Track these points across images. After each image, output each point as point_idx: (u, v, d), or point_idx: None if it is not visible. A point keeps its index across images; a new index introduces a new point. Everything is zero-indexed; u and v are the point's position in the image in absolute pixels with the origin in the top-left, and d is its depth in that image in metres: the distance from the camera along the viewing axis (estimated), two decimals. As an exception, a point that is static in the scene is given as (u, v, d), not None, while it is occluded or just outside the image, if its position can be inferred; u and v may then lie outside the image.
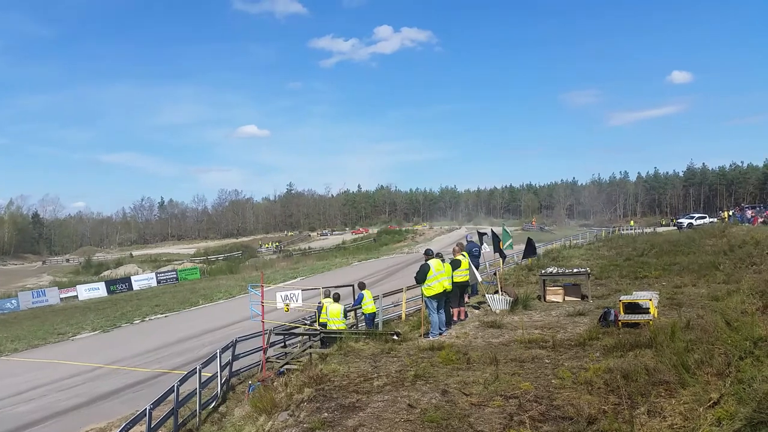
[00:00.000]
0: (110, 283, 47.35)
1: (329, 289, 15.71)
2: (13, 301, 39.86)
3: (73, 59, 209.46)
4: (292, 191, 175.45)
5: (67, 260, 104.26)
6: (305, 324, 14.40)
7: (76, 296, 43.38)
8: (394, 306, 17.71)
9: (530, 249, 15.39)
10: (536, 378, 6.83)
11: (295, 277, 42.38)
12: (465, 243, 14.98)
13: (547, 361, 7.69)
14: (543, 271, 15.42)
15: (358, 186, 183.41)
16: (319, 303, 15.01)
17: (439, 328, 10.76)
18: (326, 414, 6.30)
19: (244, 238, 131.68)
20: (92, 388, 16.51)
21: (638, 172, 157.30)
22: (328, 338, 12.65)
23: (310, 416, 6.29)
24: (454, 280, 11.40)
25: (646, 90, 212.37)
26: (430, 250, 11.56)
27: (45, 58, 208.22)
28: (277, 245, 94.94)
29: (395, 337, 10.41)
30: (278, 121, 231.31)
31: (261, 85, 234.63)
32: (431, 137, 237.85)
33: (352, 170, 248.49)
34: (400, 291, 16.59)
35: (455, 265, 11.71)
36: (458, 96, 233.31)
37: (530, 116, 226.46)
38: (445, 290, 10.90)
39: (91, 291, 44.87)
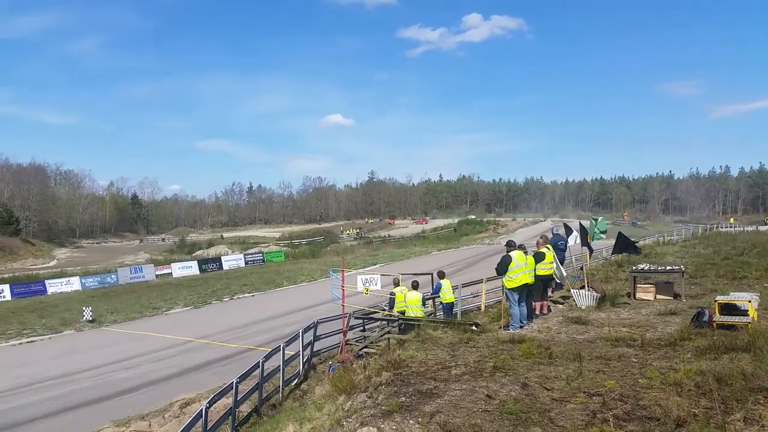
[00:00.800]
0: (202, 263, 49.66)
1: (398, 278, 15.79)
2: (113, 276, 42.53)
3: (172, 51, 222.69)
4: (374, 179, 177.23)
5: (163, 239, 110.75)
6: (383, 310, 14.54)
7: (171, 273, 45.74)
8: (473, 297, 17.53)
9: (623, 244, 14.67)
10: (622, 377, 6.56)
11: (375, 264, 42.82)
12: (550, 235, 14.56)
13: (634, 360, 7.37)
14: (634, 268, 14.76)
15: (440, 176, 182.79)
16: (391, 293, 15.13)
17: (520, 321, 10.58)
18: (404, 398, 6.34)
19: (327, 224, 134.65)
20: (183, 360, 17.44)
21: (741, 167, 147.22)
22: (406, 325, 12.74)
23: (388, 399, 6.36)
24: (537, 273, 11.12)
25: (752, 80, 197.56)
26: (512, 241, 11.35)
27: (147, 50, 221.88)
28: (357, 232, 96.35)
29: (474, 328, 10.33)
30: (363, 110, 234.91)
31: (348, 76, 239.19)
32: (517, 127, 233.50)
33: (434, 160, 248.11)
34: (479, 282, 16.38)
35: (539, 257, 11.42)
36: (547, 85, 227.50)
37: (625, 107, 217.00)
38: (526, 283, 10.68)
39: (185, 269, 47.19)
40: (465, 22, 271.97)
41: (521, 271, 10.53)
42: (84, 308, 26.05)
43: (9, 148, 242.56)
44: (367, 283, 14.71)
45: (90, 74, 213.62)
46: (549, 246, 12.09)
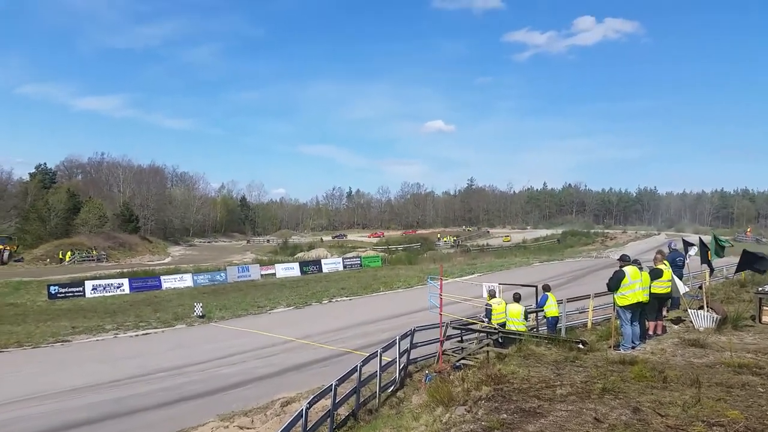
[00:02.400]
0: (303, 264, 51.20)
1: (495, 289, 15.37)
2: (222, 274, 44.75)
3: (280, 57, 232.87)
4: (473, 186, 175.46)
5: (268, 241, 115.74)
6: (482, 321, 14.22)
7: (274, 274, 47.46)
8: (580, 313, 16.77)
9: (749, 261, 13.40)
10: (747, 407, 5.95)
11: (473, 273, 42.20)
12: (667, 251, 13.61)
13: (761, 389, 6.68)
14: (759, 289, 13.45)
15: (543, 183, 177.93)
16: (487, 304, 14.74)
17: (632, 341, 9.92)
18: (505, 415, 6.11)
19: (423, 231, 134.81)
20: (284, 359, 17.96)
21: None
22: (505, 338, 12.37)
23: (488, 415, 6.15)
24: (653, 291, 10.39)
25: None
26: (626, 255, 10.67)
27: (257, 57, 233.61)
28: (455, 240, 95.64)
29: (581, 346, 9.82)
30: (464, 115, 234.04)
31: (450, 81, 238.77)
32: (628, 134, 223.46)
33: (537, 167, 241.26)
34: (586, 297, 15.64)
35: (655, 274, 10.66)
36: (662, 90, 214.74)
37: (748, 114, 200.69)
38: (640, 301, 10.00)
39: (287, 270, 48.85)
40: (576, 25, 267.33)
41: (635, 288, 9.88)
42: (195, 304, 27.54)
43: (131, 150, 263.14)
44: (489, 290, 14.60)
45: (204, 81, 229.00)
46: (666, 262, 11.28)
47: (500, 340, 12.72)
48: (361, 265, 54.56)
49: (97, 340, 22.23)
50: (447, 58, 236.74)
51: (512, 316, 13.32)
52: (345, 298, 32.65)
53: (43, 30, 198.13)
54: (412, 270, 47.68)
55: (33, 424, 12.52)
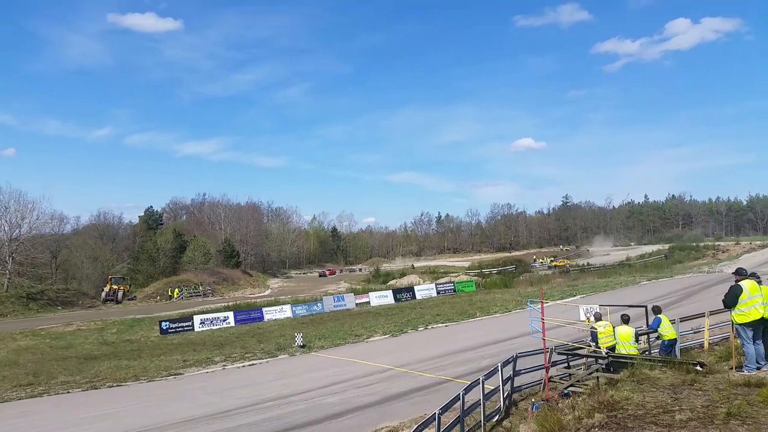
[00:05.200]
0: (396, 292, 51.48)
1: (600, 312, 14.72)
2: (318, 304, 45.81)
3: (366, 91, 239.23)
4: (568, 203, 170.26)
5: (360, 269, 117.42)
6: (590, 346, 13.68)
7: (369, 302, 48.04)
8: (694, 333, 15.74)
9: None
10: None
11: (574, 295, 40.71)
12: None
13: None
14: None
15: (645, 196, 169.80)
16: (592, 327, 14.14)
17: (757, 362, 9.19)
18: (622, 444, 5.86)
19: (517, 252, 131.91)
20: (384, 388, 18.00)
21: None
22: (615, 363, 11.82)
23: (604, 444, 5.92)
24: (777, 307, 9.62)
25: None
26: (742, 269, 9.95)
27: (344, 93, 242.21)
28: (552, 260, 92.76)
29: (699, 368, 9.23)
30: (555, 131, 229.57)
31: (538, 97, 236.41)
32: (735, 138, 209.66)
33: (636, 179, 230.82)
34: (701, 316, 14.68)
35: (777, 288, 9.89)
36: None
37: None
38: (762, 317, 9.27)
39: (381, 298, 49.28)
40: (669, 29, 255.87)
41: (755, 304, 9.18)
42: (296, 334, 28.31)
43: (230, 189, 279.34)
44: (588, 313, 14.06)
45: (295, 119, 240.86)
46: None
47: (609, 365, 12.18)
48: (454, 291, 54.11)
49: (207, 372, 23.32)
50: (534, 75, 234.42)
51: (622, 339, 12.70)
52: (441, 325, 32.41)
53: (148, 84, 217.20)
54: (509, 293, 46.69)
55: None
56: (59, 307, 58.13)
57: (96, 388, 20.81)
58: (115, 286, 65.18)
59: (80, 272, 78.97)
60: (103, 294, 64.24)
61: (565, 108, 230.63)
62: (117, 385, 21.20)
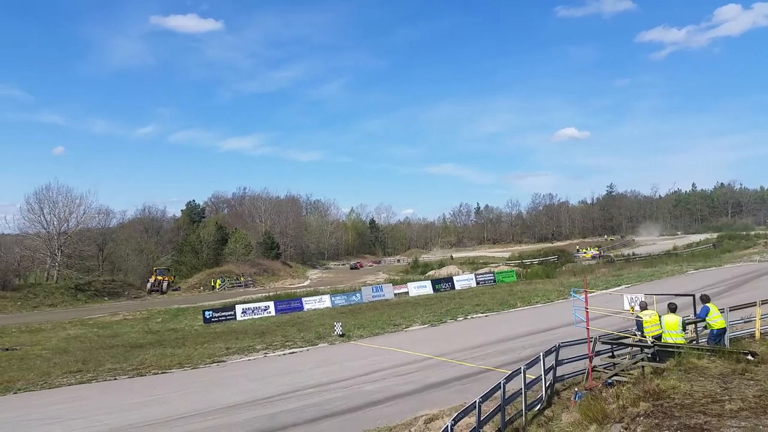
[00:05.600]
0: (435, 282, 51.27)
1: (645, 301, 14.31)
2: (357, 295, 46.09)
3: (403, 84, 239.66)
4: (613, 193, 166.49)
5: (398, 260, 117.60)
6: (635, 335, 13.33)
7: (407, 293, 48.03)
8: (745, 322, 15.16)
9: None
10: None
11: (619, 285, 39.80)
12: None
13: None
14: None
15: (692, 185, 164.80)
16: (637, 316, 13.75)
17: (813, 352, 8.79)
18: (669, 433, 5.67)
19: (559, 243, 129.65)
20: (424, 377, 17.96)
21: None
22: (661, 352, 11.48)
23: (649, 433, 5.75)
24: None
25: None
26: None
27: (381, 87, 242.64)
28: (597, 249, 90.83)
29: (750, 357, 8.88)
30: (599, 121, 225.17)
31: (581, 87, 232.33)
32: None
33: (683, 168, 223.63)
34: (752, 305, 14.12)
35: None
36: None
37: None
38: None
39: (420, 288, 49.22)
40: (717, 16, 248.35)
41: (811, 292, 8.77)
42: (335, 324, 28.54)
43: (270, 182, 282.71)
44: (633, 302, 13.72)
45: (332, 114, 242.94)
46: None
47: (655, 354, 11.84)
48: (494, 281, 53.58)
49: (249, 359, 23.73)
50: (577, 65, 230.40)
51: (668, 327, 12.31)
52: (481, 315, 32.14)
53: (190, 83, 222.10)
54: (551, 284, 45.97)
55: (200, 438, 13.60)
56: (106, 298, 60.18)
57: (142, 375, 21.44)
58: (159, 278, 67.10)
59: (126, 264, 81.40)
60: (149, 285, 66.23)
61: (609, 97, 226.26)
62: (162, 372, 21.80)
